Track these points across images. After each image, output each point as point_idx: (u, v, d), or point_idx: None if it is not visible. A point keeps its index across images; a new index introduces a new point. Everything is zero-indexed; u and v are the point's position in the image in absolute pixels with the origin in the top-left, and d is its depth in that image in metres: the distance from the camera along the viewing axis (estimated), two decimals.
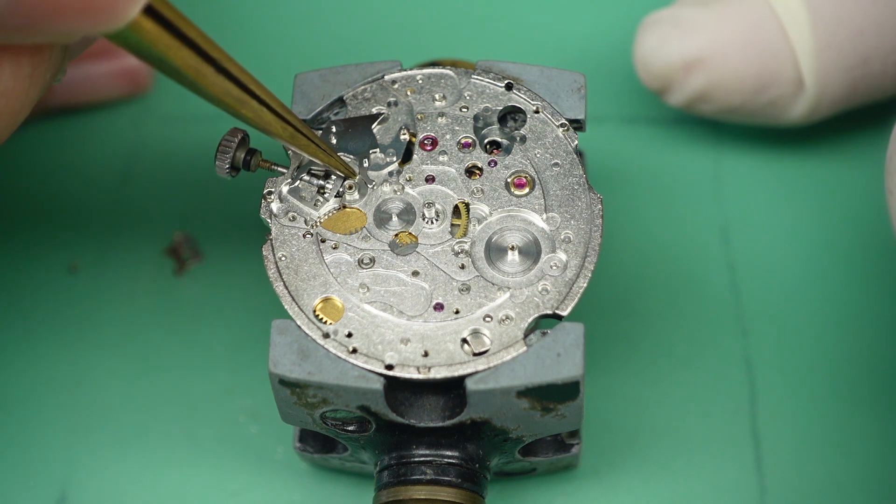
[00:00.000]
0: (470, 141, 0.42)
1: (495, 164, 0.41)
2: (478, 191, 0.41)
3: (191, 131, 0.52)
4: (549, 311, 0.39)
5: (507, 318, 0.39)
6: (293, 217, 0.41)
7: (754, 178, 0.51)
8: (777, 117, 0.49)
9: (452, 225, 0.41)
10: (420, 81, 0.43)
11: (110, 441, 0.46)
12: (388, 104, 0.42)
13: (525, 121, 0.42)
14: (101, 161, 0.52)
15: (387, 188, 0.41)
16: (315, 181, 0.41)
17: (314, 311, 0.39)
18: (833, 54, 0.47)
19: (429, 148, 0.42)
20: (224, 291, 0.49)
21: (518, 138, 0.42)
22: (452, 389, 0.39)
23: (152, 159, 0.52)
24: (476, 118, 0.42)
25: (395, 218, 0.41)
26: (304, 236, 0.41)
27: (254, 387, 0.47)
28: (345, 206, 0.41)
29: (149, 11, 0.34)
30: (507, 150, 0.41)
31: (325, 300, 0.40)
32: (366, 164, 0.41)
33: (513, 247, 0.40)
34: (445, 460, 0.40)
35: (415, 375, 0.38)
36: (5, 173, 0.51)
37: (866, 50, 0.47)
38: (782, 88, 0.48)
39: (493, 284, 0.40)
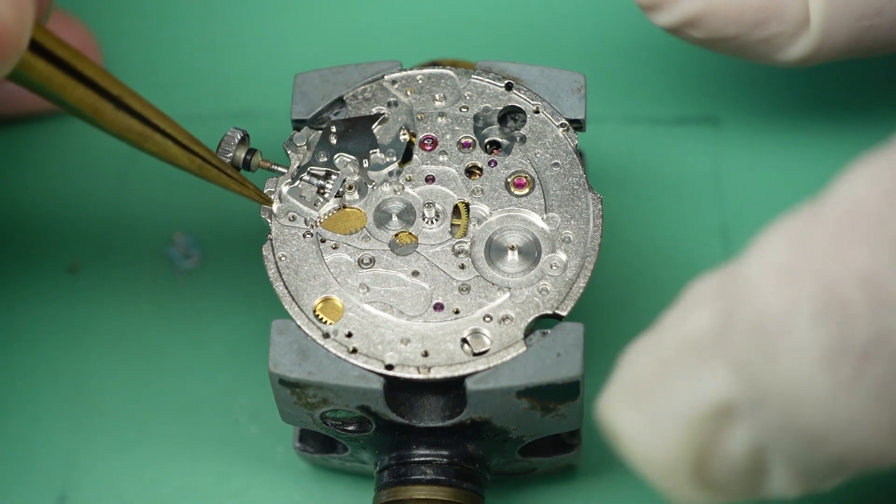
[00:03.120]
0: (470, 141, 0.42)
1: (495, 164, 0.41)
2: (478, 191, 0.41)
3: (191, 131, 0.52)
4: (549, 311, 0.39)
5: (507, 318, 0.39)
6: (293, 217, 0.41)
7: (754, 178, 0.51)
8: (769, 56, 0.46)
9: (452, 225, 0.41)
10: (420, 81, 0.43)
11: (110, 441, 0.46)
12: (388, 104, 0.42)
13: (525, 121, 0.42)
14: (101, 161, 0.51)
15: (387, 188, 0.41)
16: (315, 181, 0.41)
17: (314, 311, 0.39)
18: (846, 0, 0.44)
19: (429, 148, 0.42)
20: (224, 291, 0.49)
21: (518, 138, 0.41)
22: (452, 389, 0.39)
23: (152, 159, 0.52)
24: (476, 118, 0.42)
25: (395, 218, 0.41)
26: (304, 236, 0.40)
27: (254, 387, 0.47)
28: (345, 206, 0.41)
29: (41, 51, 0.33)
30: (507, 150, 0.41)
31: (325, 300, 0.40)
32: (366, 164, 0.41)
33: (513, 247, 0.40)
34: (445, 460, 0.40)
35: (415, 375, 0.38)
36: (5, 173, 0.51)
37: (881, 1, 0.44)
38: (784, 26, 0.44)
39: (493, 284, 0.40)
